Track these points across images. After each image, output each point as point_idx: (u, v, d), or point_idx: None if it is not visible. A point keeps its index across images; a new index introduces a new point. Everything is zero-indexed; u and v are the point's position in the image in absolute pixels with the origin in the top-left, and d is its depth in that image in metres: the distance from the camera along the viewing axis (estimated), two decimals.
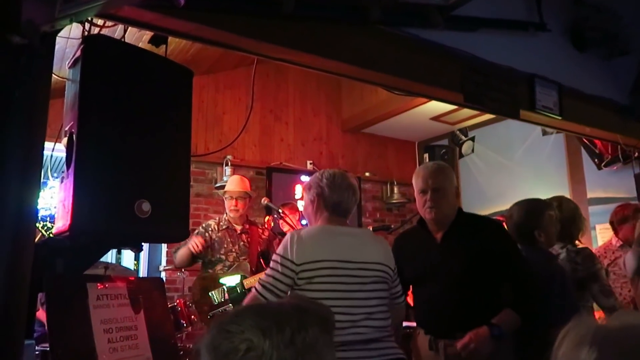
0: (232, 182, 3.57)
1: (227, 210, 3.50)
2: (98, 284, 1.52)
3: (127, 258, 5.56)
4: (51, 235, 1.48)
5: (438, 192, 2.00)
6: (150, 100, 1.49)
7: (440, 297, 1.97)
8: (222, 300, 3.22)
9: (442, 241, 2.03)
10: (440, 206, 2.00)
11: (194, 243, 3.25)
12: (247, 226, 3.53)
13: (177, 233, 1.54)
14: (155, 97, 1.50)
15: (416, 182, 2.08)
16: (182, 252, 3.35)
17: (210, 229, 3.46)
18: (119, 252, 3.72)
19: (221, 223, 3.49)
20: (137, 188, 1.44)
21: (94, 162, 1.37)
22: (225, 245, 3.39)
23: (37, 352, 3.27)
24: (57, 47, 1.41)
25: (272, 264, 1.78)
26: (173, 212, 1.52)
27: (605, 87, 3.31)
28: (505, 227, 2.30)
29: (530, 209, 2.27)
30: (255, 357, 0.76)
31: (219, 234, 3.43)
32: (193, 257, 3.35)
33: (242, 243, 3.42)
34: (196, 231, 3.48)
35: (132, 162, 1.43)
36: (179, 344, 3.41)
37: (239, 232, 3.48)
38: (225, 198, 3.52)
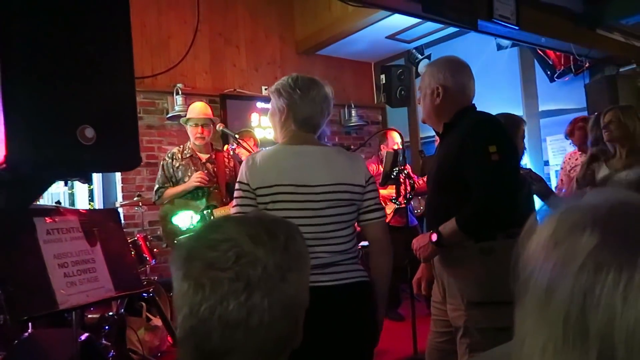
0: (194, 109, 3.43)
1: (192, 139, 3.38)
2: (46, 218, 1.43)
3: (81, 199, 5.37)
4: None
5: (421, 94, 1.96)
6: (81, 10, 1.32)
7: (427, 201, 1.98)
8: (190, 226, 3.20)
9: (439, 144, 1.99)
10: (422, 107, 1.95)
11: (200, 179, 3.21)
12: (214, 155, 3.44)
13: (127, 160, 1.43)
14: (86, 7, 1.33)
15: None
16: (172, 192, 3.28)
17: (174, 157, 3.37)
18: (67, 185, 3.54)
19: (185, 151, 3.39)
20: (77, 112, 1.31)
21: (24, 83, 1.22)
22: (190, 174, 3.30)
23: None
24: None
25: (235, 193, 1.69)
26: (120, 137, 1.40)
27: None
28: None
29: (508, 122, 2.30)
30: (248, 263, 0.70)
31: (182, 162, 3.35)
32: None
33: (206, 172, 3.34)
34: (161, 162, 3.40)
35: (68, 81, 1.28)
36: (142, 277, 3.40)
37: (204, 160, 3.39)
38: (189, 126, 3.38)
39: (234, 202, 1.69)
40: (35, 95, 1.24)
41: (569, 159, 3.72)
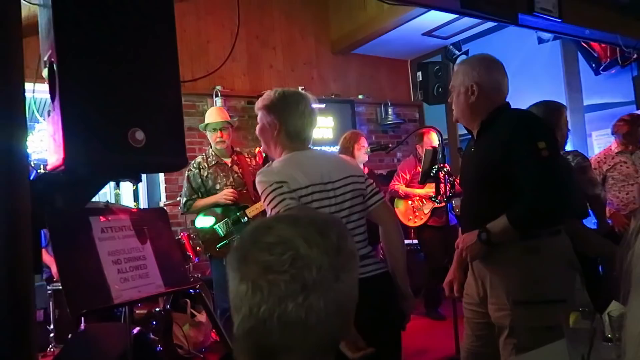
0: (211, 114, 3.46)
1: (213, 144, 3.41)
2: (101, 217, 1.50)
3: (126, 198, 5.57)
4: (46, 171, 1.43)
5: (453, 91, 1.94)
6: (130, 19, 1.38)
7: (465, 202, 1.95)
8: (228, 231, 3.25)
9: (475, 143, 1.94)
10: (455, 106, 1.94)
11: (232, 197, 3.23)
12: (235, 157, 3.47)
13: (174, 160, 1.49)
14: (135, 16, 1.39)
15: None
16: (202, 204, 3.30)
17: (201, 167, 3.39)
18: (117, 186, 3.67)
19: (209, 159, 3.41)
20: (128, 116, 1.38)
21: (79, 90, 1.30)
22: (220, 181, 3.33)
23: (49, 292, 3.37)
24: None
25: (270, 196, 1.64)
26: (168, 139, 1.47)
27: None
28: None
29: (550, 108, 2.27)
30: (304, 266, 0.72)
31: (210, 170, 3.37)
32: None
33: (235, 175, 3.38)
34: (186, 174, 3.39)
35: (119, 88, 1.35)
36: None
37: (230, 165, 3.42)
38: (209, 132, 3.42)
39: (274, 201, 1.64)
40: (89, 103, 1.31)
41: (605, 157, 3.63)
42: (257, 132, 1.85)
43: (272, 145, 1.79)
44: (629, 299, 0.55)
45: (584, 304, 1.70)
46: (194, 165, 3.40)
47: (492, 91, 1.85)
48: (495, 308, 1.78)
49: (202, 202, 3.31)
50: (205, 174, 3.35)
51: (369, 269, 1.67)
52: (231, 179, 3.34)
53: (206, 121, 3.44)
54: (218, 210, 3.30)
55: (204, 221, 3.30)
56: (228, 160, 3.42)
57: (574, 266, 1.78)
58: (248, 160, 3.50)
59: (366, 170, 3.55)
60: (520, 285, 1.71)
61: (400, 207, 4.29)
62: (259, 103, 1.81)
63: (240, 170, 3.40)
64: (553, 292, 1.69)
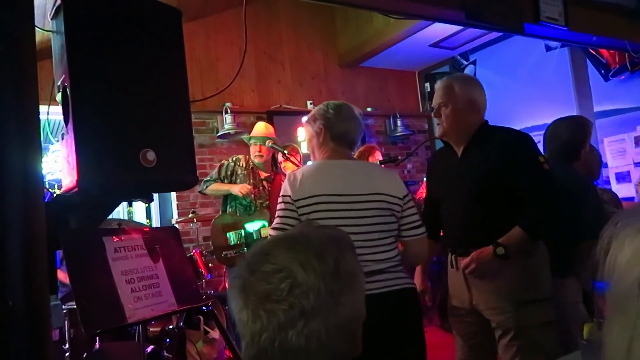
0: (256, 129, 3.62)
1: (252, 156, 3.52)
2: (114, 237, 1.52)
3: (139, 215, 5.62)
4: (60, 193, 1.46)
5: (443, 107, 1.96)
6: (140, 43, 1.42)
7: (457, 213, 1.96)
8: (238, 242, 3.29)
9: (461, 156, 1.99)
10: (446, 121, 1.96)
11: (246, 192, 3.32)
12: (273, 175, 3.55)
13: (185, 179, 1.52)
14: (145, 40, 1.43)
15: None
16: (217, 187, 3.44)
17: (238, 163, 3.52)
18: (130, 205, 3.74)
19: (249, 164, 3.54)
20: (139, 137, 1.41)
21: (92, 113, 1.33)
22: (247, 184, 3.43)
23: (64, 311, 3.39)
24: (36, 2, 1.33)
25: (277, 206, 1.77)
26: (179, 158, 1.49)
27: None
28: (546, 146, 2.26)
29: (577, 125, 2.24)
30: (301, 293, 0.72)
31: (245, 171, 3.49)
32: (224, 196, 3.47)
33: (261, 187, 3.45)
34: (223, 162, 3.56)
35: (130, 110, 1.38)
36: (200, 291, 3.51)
37: (262, 177, 3.51)
38: (250, 144, 3.54)
39: (277, 213, 1.76)
40: (101, 125, 1.34)
41: None
42: (306, 144, 1.92)
43: (317, 151, 1.86)
44: (606, 321, 0.54)
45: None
46: (233, 159, 3.56)
47: (482, 108, 1.99)
48: (497, 312, 1.83)
49: (217, 185, 3.44)
50: (239, 171, 3.47)
51: (379, 285, 1.64)
52: (258, 189, 3.44)
53: (251, 134, 3.58)
54: (239, 212, 3.39)
55: (253, 225, 3.34)
56: (264, 174, 3.52)
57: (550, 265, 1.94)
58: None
59: None
60: (523, 286, 1.82)
61: None
62: (303, 119, 1.89)
63: (270, 188, 3.47)
64: (547, 290, 1.86)
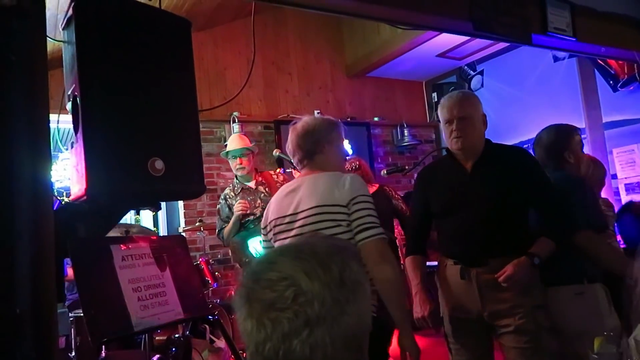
0: (231, 142, 3.55)
1: (234, 171, 3.50)
2: (121, 245, 1.53)
3: (146, 224, 5.64)
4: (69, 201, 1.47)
5: (464, 120, 1.95)
6: (150, 54, 1.43)
7: (472, 225, 1.95)
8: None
9: (472, 170, 1.99)
10: (467, 135, 1.95)
11: (240, 207, 3.29)
12: (260, 177, 3.52)
13: (193, 188, 1.52)
14: (155, 51, 1.44)
15: (441, 113, 2.02)
16: (229, 228, 3.37)
17: (229, 197, 3.47)
18: (137, 214, 3.73)
19: (235, 188, 3.49)
20: (148, 146, 1.42)
21: (101, 123, 1.34)
22: (241, 201, 3.38)
23: (71, 319, 3.40)
24: (48, 13, 1.35)
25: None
26: (187, 167, 1.50)
27: (619, 2, 3.15)
28: (533, 153, 2.29)
29: (560, 131, 2.27)
30: (306, 302, 0.71)
31: (237, 198, 3.43)
32: (241, 224, 3.38)
33: (262, 195, 3.41)
34: (218, 205, 3.52)
35: (139, 119, 1.39)
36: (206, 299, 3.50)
37: (254, 187, 3.47)
38: (229, 159, 3.51)
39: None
40: (110, 134, 1.35)
41: None
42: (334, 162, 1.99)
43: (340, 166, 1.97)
44: None
45: (612, 327, 1.82)
46: (222, 197, 3.51)
47: (486, 122, 2.06)
48: (519, 317, 1.88)
49: (229, 226, 3.39)
50: (233, 202, 3.41)
51: None
52: (259, 200, 3.38)
53: (227, 149, 3.53)
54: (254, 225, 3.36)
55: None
56: (252, 184, 3.48)
57: None
58: (275, 176, 3.54)
59: (373, 189, 3.46)
60: (538, 291, 1.94)
61: None
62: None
63: (267, 188, 3.44)
64: (546, 296, 1.99)
